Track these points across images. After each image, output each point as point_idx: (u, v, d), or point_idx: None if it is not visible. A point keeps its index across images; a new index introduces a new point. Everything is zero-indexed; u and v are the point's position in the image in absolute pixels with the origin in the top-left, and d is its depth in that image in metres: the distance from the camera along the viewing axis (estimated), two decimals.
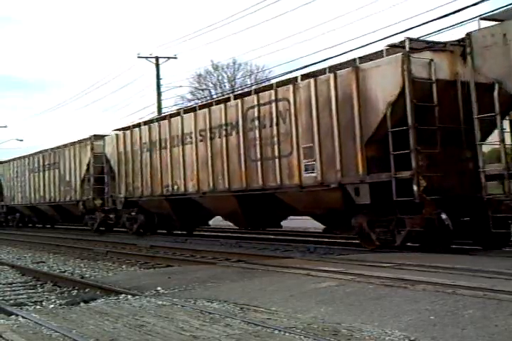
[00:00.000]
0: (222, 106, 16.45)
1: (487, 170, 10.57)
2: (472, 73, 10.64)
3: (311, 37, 48.73)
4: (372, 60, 12.36)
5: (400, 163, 11.28)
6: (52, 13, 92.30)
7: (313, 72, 14.20)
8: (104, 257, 15.17)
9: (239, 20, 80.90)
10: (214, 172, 16.61)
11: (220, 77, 48.17)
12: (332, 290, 7.19)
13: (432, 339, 5.01)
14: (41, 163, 28.55)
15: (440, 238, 11.11)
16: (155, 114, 32.05)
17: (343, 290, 7.09)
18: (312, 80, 13.38)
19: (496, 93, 10.18)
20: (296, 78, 14.32)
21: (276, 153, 14.26)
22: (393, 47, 11.82)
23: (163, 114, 25.96)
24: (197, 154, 17.32)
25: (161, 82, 35.91)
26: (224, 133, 16.16)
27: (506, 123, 11.34)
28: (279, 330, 5.49)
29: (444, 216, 10.83)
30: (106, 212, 22.85)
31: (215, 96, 38.38)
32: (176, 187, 18.36)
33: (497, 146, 10.74)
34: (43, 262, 14.80)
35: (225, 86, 47.41)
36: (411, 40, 11.55)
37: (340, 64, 13.36)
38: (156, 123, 19.62)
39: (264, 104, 14.69)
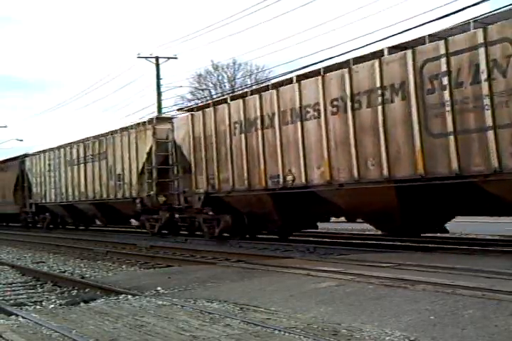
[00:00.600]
0: (372, 63, 11.87)
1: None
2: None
3: (311, 37, 48.64)
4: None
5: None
6: (53, 13, 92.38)
7: None
8: (104, 257, 15.18)
9: (239, 20, 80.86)
10: (359, 156, 12.13)
11: (220, 77, 48.21)
12: (332, 290, 7.19)
13: (431, 339, 5.02)
14: (82, 154, 24.07)
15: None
16: (155, 114, 31.96)
17: (342, 290, 7.10)
18: None
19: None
20: None
21: (488, 123, 9.77)
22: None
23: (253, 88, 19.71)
24: (327, 132, 12.83)
25: (161, 82, 35.96)
26: (379, 100, 11.63)
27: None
28: (279, 330, 5.49)
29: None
30: (173, 210, 18.82)
31: (215, 97, 38.33)
32: (289, 178, 13.92)
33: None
34: (43, 262, 14.80)
35: (225, 86, 47.44)
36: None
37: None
38: (256, 96, 14.93)
39: (460, 52, 10.24)
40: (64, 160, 25.63)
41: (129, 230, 24.70)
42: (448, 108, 10.40)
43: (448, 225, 13.14)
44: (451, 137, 10.39)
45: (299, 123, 13.57)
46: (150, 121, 20.13)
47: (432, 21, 11.86)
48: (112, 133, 22.24)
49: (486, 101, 9.79)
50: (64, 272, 12.52)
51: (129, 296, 7.97)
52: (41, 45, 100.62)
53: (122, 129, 21.60)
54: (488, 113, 9.78)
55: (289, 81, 14.25)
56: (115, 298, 8.06)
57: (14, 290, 10.26)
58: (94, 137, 23.58)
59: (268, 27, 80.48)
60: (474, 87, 10.05)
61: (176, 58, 36.12)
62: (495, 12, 10.27)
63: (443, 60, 10.51)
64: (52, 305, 8.35)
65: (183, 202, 17.98)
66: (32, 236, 23.86)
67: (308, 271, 8.65)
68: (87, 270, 12.87)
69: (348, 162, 12.34)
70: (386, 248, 12.85)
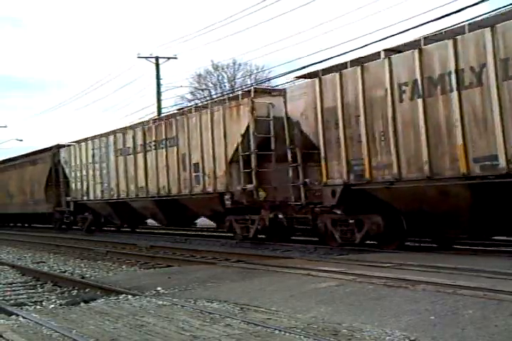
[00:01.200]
0: None
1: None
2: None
3: (311, 37, 48.60)
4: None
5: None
6: (53, 13, 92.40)
7: None
8: (104, 257, 15.16)
9: (239, 20, 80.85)
10: None
11: (220, 77, 48.16)
12: (332, 290, 7.19)
13: (432, 339, 5.02)
14: (141, 141, 19.58)
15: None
16: (155, 114, 31.96)
17: (343, 290, 7.10)
18: None
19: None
20: None
21: None
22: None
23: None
24: None
25: (161, 82, 35.90)
26: None
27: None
28: (279, 330, 5.49)
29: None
30: (277, 209, 14.71)
31: (215, 97, 38.34)
32: None
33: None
34: (43, 262, 14.80)
35: (225, 86, 47.39)
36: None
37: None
38: (447, 43, 10.21)
39: None
40: (114, 149, 21.16)
41: (200, 233, 21.05)
42: None
43: None
44: None
45: None
46: (245, 93, 16.19)
47: (421, 25, 11.82)
48: (184, 112, 18.39)
49: None
50: (64, 272, 12.51)
51: (129, 296, 7.97)
52: (41, 45, 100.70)
53: (202, 106, 18.02)
54: None
55: None
56: (115, 298, 8.06)
57: (14, 290, 10.25)
58: (159, 119, 19.80)
59: (268, 27, 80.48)
60: None
61: (176, 58, 36.11)
62: None
63: None
64: (53, 305, 8.34)
65: (304, 197, 13.50)
66: (32, 236, 23.85)
67: (308, 271, 8.65)
68: (87, 270, 12.87)
69: None
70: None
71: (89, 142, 23.17)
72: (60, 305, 8.28)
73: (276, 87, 16.10)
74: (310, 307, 6.50)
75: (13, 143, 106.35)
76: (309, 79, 13.39)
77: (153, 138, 18.92)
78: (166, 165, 18.21)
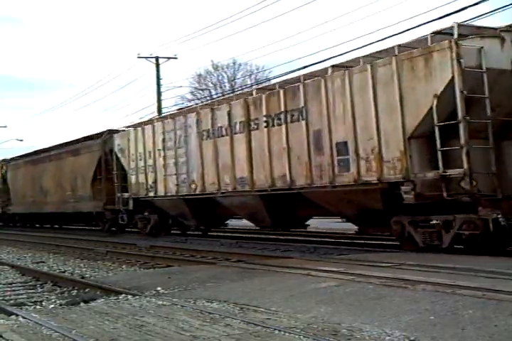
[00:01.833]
0: None
1: None
2: None
3: (311, 37, 48.58)
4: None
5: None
6: (53, 13, 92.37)
7: None
8: (104, 257, 15.16)
9: (239, 20, 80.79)
10: None
11: (220, 77, 48.23)
12: (332, 290, 7.19)
13: (431, 339, 5.02)
14: (238, 118, 15.06)
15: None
16: (155, 114, 31.97)
17: (343, 290, 7.10)
18: None
19: None
20: None
21: None
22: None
23: None
24: None
25: (161, 82, 35.86)
26: None
27: None
28: (279, 330, 5.49)
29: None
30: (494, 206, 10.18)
31: (215, 97, 38.35)
32: None
33: None
34: (43, 262, 14.79)
35: (225, 86, 47.45)
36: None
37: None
38: None
39: None
40: (198, 131, 16.63)
41: (318, 239, 16.29)
42: None
43: None
44: None
45: None
46: (437, 36, 10.84)
47: (421, 25, 11.62)
48: (317, 74, 13.25)
49: None
50: (64, 272, 12.51)
51: (129, 296, 7.97)
52: (41, 45, 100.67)
53: (351, 62, 12.55)
54: None
55: None
56: (115, 298, 8.06)
57: (14, 290, 10.25)
58: (276, 84, 15.00)
59: (268, 27, 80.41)
60: None
61: (176, 58, 36.08)
62: None
63: None
64: (52, 305, 8.34)
65: None
66: (32, 236, 23.82)
67: (308, 271, 8.65)
68: (87, 270, 12.86)
69: None
70: (386, 248, 12.84)
71: (158, 124, 18.60)
72: (60, 305, 8.28)
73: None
74: (310, 307, 6.50)
75: (13, 143, 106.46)
76: None
77: (264, 113, 14.26)
78: (287, 146, 13.55)
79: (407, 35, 11.72)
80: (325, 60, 14.15)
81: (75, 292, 9.56)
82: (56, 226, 30.29)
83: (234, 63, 47.21)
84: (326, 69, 12.96)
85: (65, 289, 9.94)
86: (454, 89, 10.17)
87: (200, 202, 17.14)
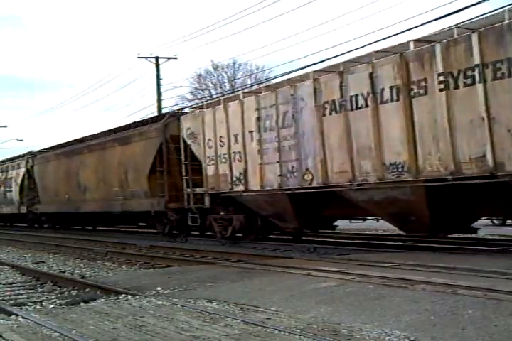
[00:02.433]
0: None
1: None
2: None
3: (311, 37, 48.58)
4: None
5: None
6: (53, 13, 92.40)
7: None
8: (104, 257, 15.17)
9: (239, 20, 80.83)
10: None
11: (220, 77, 48.21)
12: (332, 290, 7.19)
13: (431, 339, 5.01)
14: (388, 82, 11.07)
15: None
16: (155, 114, 31.96)
17: (343, 290, 7.09)
18: None
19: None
20: None
21: None
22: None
23: None
24: None
25: (161, 82, 35.88)
26: None
27: None
28: (279, 330, 5.48)
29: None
30: None
31: (215, 97, 38.35)
32: None
33: None
34: (43, 262, 14.80)
35: (225, 86, 47.42)
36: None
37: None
38: None
39: None
40: (316, 105, 12.61)
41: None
42: None
43: None
44: None
45: None
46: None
47: (421, 25, 11.67)
48: None
49: None
50: (64, 272, 12.52)
51: (129, 296, 7.97)
52: (41, 45, 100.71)
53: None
54: None
55: None
56: (115, 298, 8.06)
57: (14, 290, 10.25)
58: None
59: (268, 27, 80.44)
60: None
61: (176, 58, 36.10)
62: None
63: None
64: (52, 305, 8.35)
65: None
66: (32, 236, 23.81)
67: (308, 271, 8.64)
68: (87, 270, 12.87)
69: None
70: (388, 248, 12.83)
71: (249, 100, 14.74)
72: (60, 305, 8.29)
73: None
74: (310, 307, 6.49)
75: (14, 143, 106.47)
76: None
77: (439, 70, 10.20)
78: (486, 115, 9.53)
79: (407, 35, 11.75)
80: (325, 60, 14.16)
81: (75, 292, 9.57)
82: (98, 228, 26.09)
83: (234, 63, 47.24)
84: None
85: (65, 289, 9.95)
86: None
87: (312, 198, 13.27)
